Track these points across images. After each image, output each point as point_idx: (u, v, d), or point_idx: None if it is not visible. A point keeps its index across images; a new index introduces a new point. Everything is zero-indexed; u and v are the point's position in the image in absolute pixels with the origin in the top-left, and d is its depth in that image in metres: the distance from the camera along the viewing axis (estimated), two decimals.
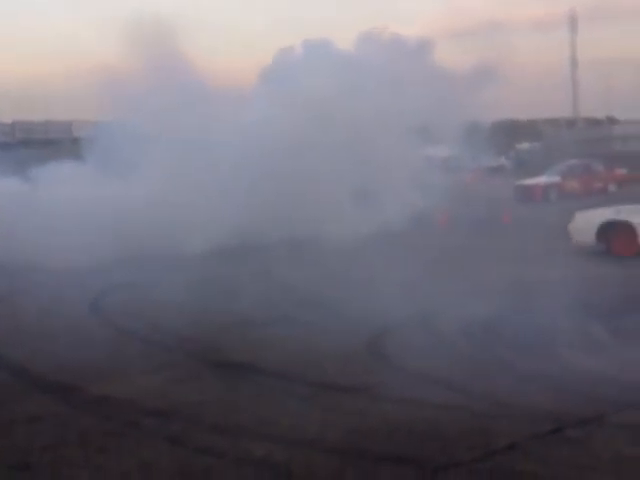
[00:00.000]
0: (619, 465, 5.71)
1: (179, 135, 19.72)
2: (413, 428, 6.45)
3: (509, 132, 48.75)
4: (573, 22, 61.16)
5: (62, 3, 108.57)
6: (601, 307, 10.59)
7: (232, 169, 19.28)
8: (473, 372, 8.03)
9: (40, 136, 51.32)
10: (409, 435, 6.33)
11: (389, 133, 21.95)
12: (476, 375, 7.91)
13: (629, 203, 17.31)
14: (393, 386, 7.58)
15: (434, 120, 22.69)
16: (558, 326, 9.40)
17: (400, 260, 14.63)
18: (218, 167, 19.16)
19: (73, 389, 8.03)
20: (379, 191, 21.69)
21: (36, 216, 17.45)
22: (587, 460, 5.80)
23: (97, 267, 15.83)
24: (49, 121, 55.13)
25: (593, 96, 78.39)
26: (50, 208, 17.60)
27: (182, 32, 22.32)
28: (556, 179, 32.70)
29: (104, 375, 8.44)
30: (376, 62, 22.29)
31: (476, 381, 7.68)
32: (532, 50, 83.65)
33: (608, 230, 15.95)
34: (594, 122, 68.81)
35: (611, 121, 68.35)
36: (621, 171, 35.05)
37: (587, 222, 16.37)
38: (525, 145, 56.72)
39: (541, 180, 32.86)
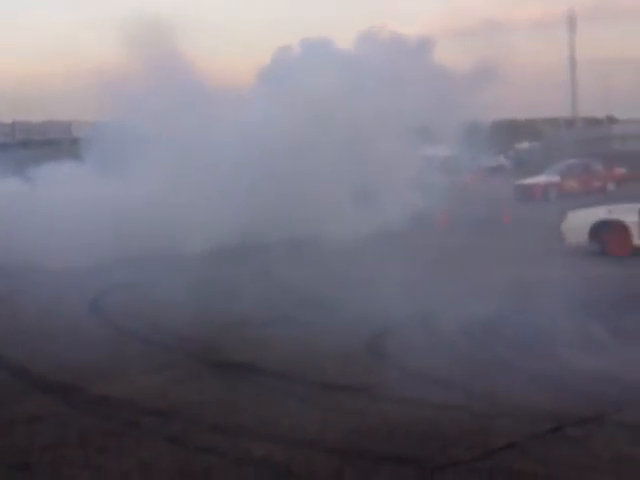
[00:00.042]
0: (619, 465, 5.71)
1: (179, 135, 19.72)
2: (413, 428, 6.46)
3: (508, 132, 48.71)
4: (572, 22, 61.39)
5: (62, 3, 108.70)
6: (601, 307, 10.59)
7: (232, 169, 19.27)
8: (473, 372, 8.03)
9: (40, 136, 51.41)
10: (409, 435, 6.33)
11: (389, 133, 21.93)
12: (476, 375, 7.91)
13: (627, 202, 17.20)
14: (393, 386, 7.58)
15: (434, 120, 22.66)
16: (558, 326, 9.40)
17: (400, 260, 14.63)
18: (218, 167, 19.15)
19: (73, 389, 8.03)
20: (379, 191, 21.68)
21: (36, 216, 17.45)
22: (587, 460, 5.80)
23: (97, 267, 15.85)
24: (49, 121, 55.25)
25: (592, 96, 78.43)
26: (50, 208, 17.60)
27: (181, 32, 22.47)
28: (555, 178, 32.76)
29: (104, 375, 8.44)
30: (376, 61, 22.26)
31: (476, 381, 7.68)
32: (531, 50, 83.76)
33: (601, 230, 15.87)
34: (593, 122, 68.83)
35: (610, 120, 68.36)
36: (620, 170, 35.11)
37: (579, 222, 16.26)
38: (524, 145, 56.77)
39: (540, 180, 32.91)
